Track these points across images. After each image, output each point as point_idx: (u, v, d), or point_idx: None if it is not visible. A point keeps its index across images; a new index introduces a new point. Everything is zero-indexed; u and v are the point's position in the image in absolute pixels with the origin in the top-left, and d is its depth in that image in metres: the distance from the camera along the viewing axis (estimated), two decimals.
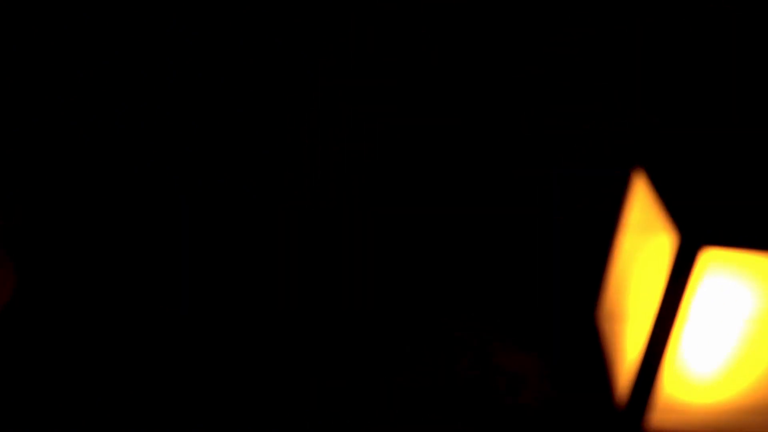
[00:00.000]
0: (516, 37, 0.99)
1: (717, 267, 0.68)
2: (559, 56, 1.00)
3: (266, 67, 0.96)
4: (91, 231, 1.14)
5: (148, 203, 1.12)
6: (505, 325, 1.09)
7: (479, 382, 0.97)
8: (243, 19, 0.86)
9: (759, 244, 0.65)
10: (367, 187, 1.11)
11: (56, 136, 1.04)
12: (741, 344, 0.73)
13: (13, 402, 0.87)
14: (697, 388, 0.77)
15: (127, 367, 0.95)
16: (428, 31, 0.92)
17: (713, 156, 0.86)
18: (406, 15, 0.92)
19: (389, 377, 0.97)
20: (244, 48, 0.89)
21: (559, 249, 1.10)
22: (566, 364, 1.02)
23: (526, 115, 1.04)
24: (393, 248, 1.16)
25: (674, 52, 0.97)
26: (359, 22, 0.86)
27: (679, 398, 0.77)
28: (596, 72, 1.01)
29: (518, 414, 0.91)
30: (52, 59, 0.96)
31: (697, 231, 0.66)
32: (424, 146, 1.07)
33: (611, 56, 1.00)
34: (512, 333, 1.07)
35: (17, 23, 0.87)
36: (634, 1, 0.95)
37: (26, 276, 1.10)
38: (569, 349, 1.04)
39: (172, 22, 0.84)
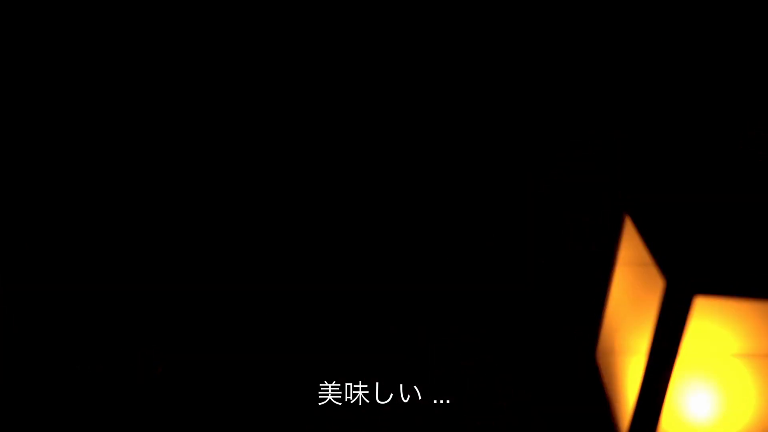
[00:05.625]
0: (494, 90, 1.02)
1: (703, 313, 0.69)
2: (546, 103, 1.03)
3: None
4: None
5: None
6: (506, 363, 1.10)
7: (482, 419, 0.98)
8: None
9: (744, 292, 0.67)
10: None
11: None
12: (730, 390, 0.74)
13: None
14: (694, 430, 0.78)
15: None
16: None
17: (700, 200, 0.88)
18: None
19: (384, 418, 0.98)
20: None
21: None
22: (568, 401, 1.02)
23: (517, 160, 1.07)
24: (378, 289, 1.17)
25: (660, 97, 1.00)
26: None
27: None
28: (584, 117, 1.03)
29: None
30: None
31: (683, 278, 0.68)
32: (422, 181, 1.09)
33: (596, 99, 1.02)
34: (513, 370, 1.08)
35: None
36: (619, 42, 0.98)
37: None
38: (571, 386, 1.05)
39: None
